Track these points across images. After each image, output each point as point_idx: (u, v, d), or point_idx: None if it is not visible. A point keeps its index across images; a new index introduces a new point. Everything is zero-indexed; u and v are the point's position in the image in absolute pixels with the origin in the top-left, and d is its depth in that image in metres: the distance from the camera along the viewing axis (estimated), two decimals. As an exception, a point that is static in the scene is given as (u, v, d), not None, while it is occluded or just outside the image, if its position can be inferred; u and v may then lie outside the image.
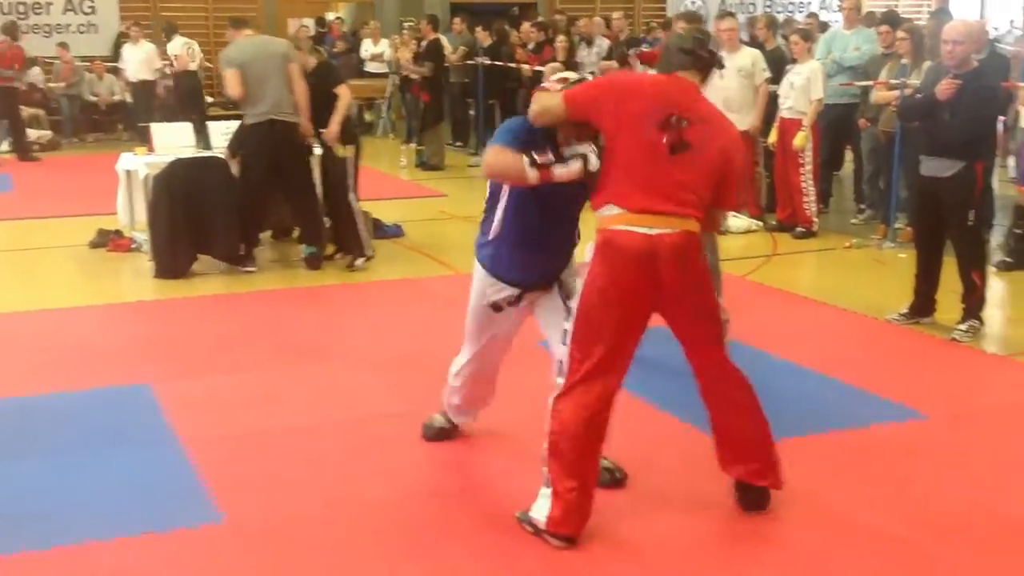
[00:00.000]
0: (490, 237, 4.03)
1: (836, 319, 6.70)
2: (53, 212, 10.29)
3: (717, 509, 4.00)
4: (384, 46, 16.71)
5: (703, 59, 3.75)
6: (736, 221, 9.17)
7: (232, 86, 7.69)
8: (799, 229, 8.96)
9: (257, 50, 7.86)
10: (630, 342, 3.73)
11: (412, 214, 10.01)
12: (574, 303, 3.74)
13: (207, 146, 8.31)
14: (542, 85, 3.93)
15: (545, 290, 4.10)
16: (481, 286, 4.14)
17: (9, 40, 14.05)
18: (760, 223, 9.31)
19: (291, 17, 18.75)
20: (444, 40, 13.79)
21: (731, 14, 9.92)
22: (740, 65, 8.91)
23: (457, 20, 15.64)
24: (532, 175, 3.68)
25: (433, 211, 10.29)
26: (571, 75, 4.04)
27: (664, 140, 3.59)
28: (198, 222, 7.77)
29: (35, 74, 15.96)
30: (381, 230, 9.12)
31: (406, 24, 16.46)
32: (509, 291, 4.09)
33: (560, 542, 3.66)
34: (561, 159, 3.73)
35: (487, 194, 4.06)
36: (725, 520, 3.95)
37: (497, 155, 3.76)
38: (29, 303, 6.96)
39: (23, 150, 14.11)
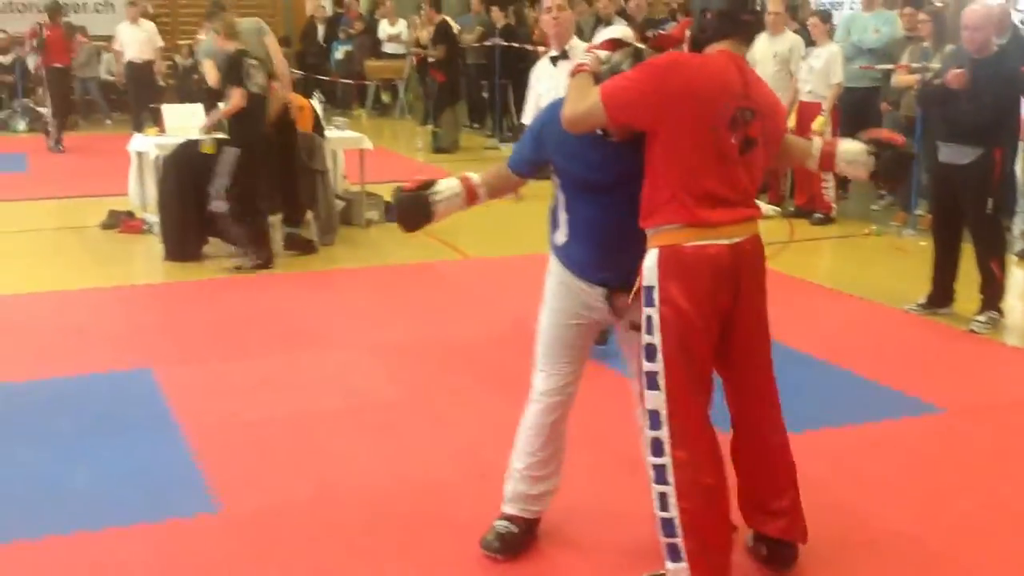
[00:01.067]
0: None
1: (853, 308, 6.57)
2: (66, 192, 10.26)
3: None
4: (401, 27, 16.59)
5: (750, 24, 3.19)
6: (753, 207, 9.03)
7: (210, 75, 7.71)
8: (817, 215, 8.82)
9: None
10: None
11: (425, 197, 9.89)
12: (649, 336, 3.14)
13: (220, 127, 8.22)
14: (578, 64, 3.26)
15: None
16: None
17: (52, 23, 13.44)
18: (778, 209, 9.17)
19: (308, -3, 18.64)
20: (451, 22, 13.69)
21: None
22: (778, 50, 8.78)
23: (475, 1, 15.49)
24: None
25: (447, 194, 10.17)
26: (616, 33, 3.34)
27: (733, 141, 3.09)
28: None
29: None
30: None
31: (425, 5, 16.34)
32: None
33: None
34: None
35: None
36: (735, 516, 3.84)
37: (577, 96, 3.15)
38: (38, 284, 6.90)
39: (54, 139, 13.13)
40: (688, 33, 3.29)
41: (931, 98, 6.19)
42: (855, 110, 9.29)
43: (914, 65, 8.22)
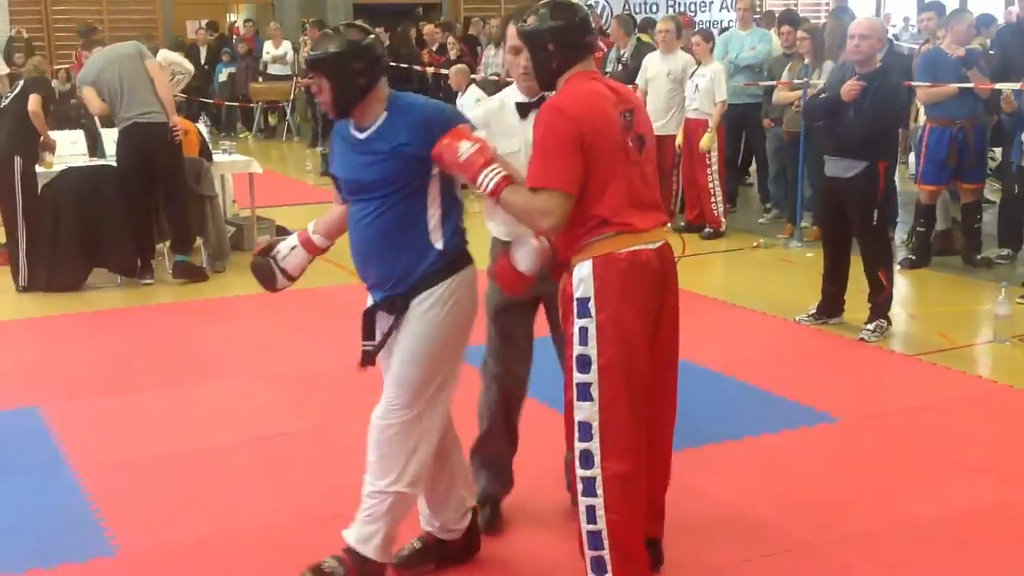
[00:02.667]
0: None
1: (745, 320, 6.69)
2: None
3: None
4: (286, 47, 16.42)
5: (591, 45, 3.27)
6: (644, 223, 9.15)
7: (91, 104, 7.61)
8: (707, 230, 8.98)
9: (105, 61, 7.64)
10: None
11: (317, 220, 9.78)
12: (583, 348, 3.11)
13: (101, 155, 8.01)
14: (496, 184, 3.06)
15: None
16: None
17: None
18: (668, 224, 9.28)
19: (189, 19, 18.36)
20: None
21: (671, 16, 9.99)
22: (671, 68, 8.97)
23: (358, 22, 15.36)
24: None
25: (339, 217, 10.07)
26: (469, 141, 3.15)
27: (630, 143, 3.14)
28: (92, 234, 7.48)
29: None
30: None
31: (308, 25, 16.19)
32: None
33: None
34: None
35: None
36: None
37: None
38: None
39: None
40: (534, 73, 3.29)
41: (816, 111, 6.36)
42: (737, 126, 9.55)
43: (796, 81, 8.45)
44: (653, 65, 9.18)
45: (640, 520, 3.20)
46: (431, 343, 3.26)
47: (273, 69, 16.47)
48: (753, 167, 10.77)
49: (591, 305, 3.09)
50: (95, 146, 8.25)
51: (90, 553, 3.72)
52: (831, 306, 6.40)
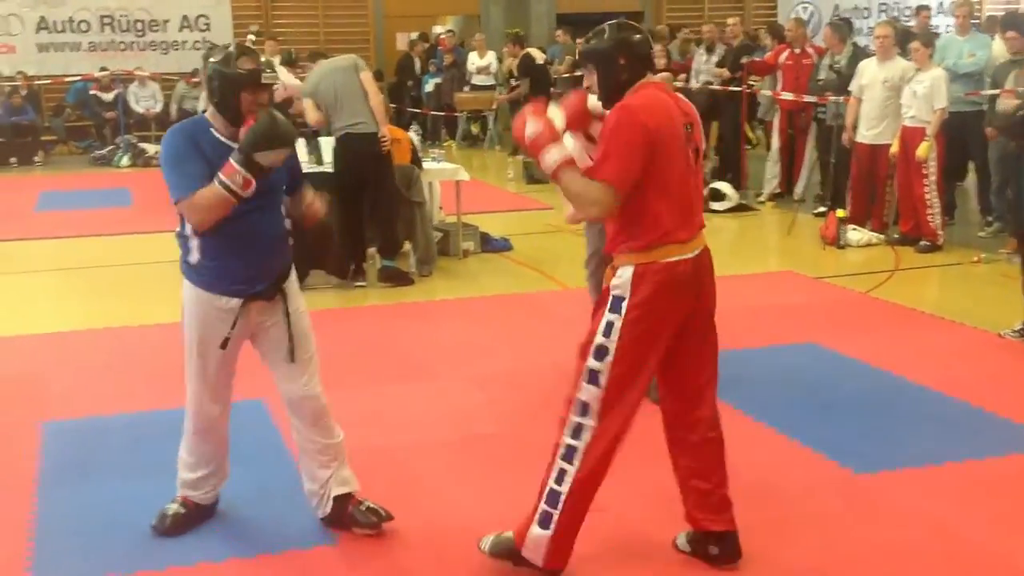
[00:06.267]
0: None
1: (964, 338, 6.39)
2: (170, 226, 10.42)
3: (844, 542, 3.81)
4: (490, 58, 16.74)
5: (653, 56, 3.56)
6: (856, 234, 8.89)
7: (309, 115, 7.98)
8: (923, 243, 8.63)
9: (323, 73, 7.94)
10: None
11: (520, 227, 9.95)
12: (605, 339, 3.40)
13: (319, 161, 8.36)
14: (559, 163, 3.36)
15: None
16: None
17: None
18: (881, 236, 8.99)
19: (399, 32, 18.94)
20: (536, 53, 13.75)
21: (889, 21, 9.68)
22: (888, 76, 8.71)
23: (560, 32, 15.58)
24: None
25: (541, 224, 10.19)
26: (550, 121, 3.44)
27: (690, 152, 3.43)
28: (312, 237, 7.78)
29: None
30: (489, 243, 9.08)
31: (511, 36, 16.47)
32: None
33: None
34: None
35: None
36: (855, 553, 3.75)
37: None
38: (140, 318, 7.05)
39: None
40: (597, 86, 3.50)
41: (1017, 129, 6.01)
42: (957, 134, 9.12)
43: (1020, 89, 8.02)
44: (868, 72, 8.90)
45: (590, 500, 3.47)
46: None
47: (477, 80, 16.82)
48: (971, 178, 10.29)
49: (624, 305, 3.38)
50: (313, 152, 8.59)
51: (312, 542, 3.89)
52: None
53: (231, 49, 3.68)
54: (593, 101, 3.60)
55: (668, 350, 3.47)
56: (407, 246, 8.39)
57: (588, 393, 3.42)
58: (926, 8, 13.42)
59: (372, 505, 3.96)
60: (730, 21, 12.97)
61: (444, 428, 5.05)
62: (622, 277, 3.40)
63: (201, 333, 3.81)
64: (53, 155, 16.44)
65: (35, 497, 4.31)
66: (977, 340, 6.34)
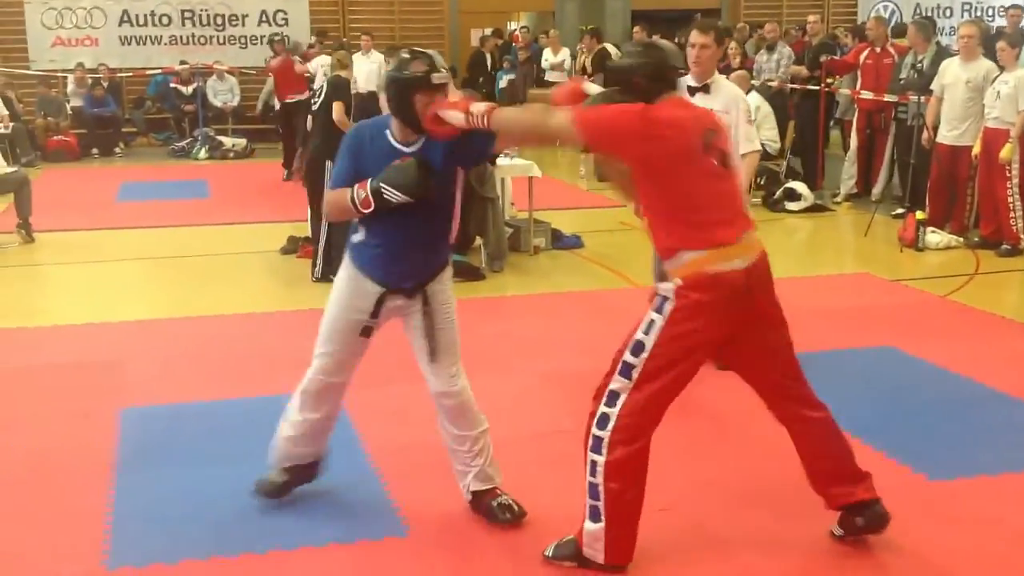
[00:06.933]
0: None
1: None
2: (247, 218, 10.66)
3: (919, 549, 3.74)
4: (564, 55, 16.71)
5: (676, 76, 3.62)
6: (934, 237, 8.73)
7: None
8: (1005, 246, 8.45)
9: None
10: None
11: (591, 225, 9.92)
12: (644, 336, 3.50)
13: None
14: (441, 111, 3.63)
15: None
16: None
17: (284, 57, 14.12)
18: (961, 239, 8.82)
19: (474, 28, 19.00)
20: (612, 49, 13.68)
21: (973, 20, 9.50)
22: (971, 76, 8.57)
23: (636, 28, 15.48)
24: None
25: (612, 222, 10.15)
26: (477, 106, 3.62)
27: (713, 159, 3.47)
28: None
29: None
30: (560, 240, 9.09)
31: (586, 32, 16.43)
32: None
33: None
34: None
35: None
36: (930, 560, 3.69)
37: None
38: (219, 308, 7.16)
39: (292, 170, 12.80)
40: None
41: None
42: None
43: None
44: (951, 72, 8.74)
45: (640, 483, 3.53)
46: None
47: (551, 76, 16.78)
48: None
49: (667, 307, 3.46)
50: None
51: (383, 532, 3.94)
52: None
53: (404, 55, 3.77)
54: (591, 86, 3.70)
55: (732, 355, 3.63)
56: (478, 241, 8.42)
57: (619, 384, 3.52)
58: (1017, 7, 13.11)
59: (506, 501, 4.00)
60: (810, 18, 12.82)
61: (520, 424, 5.05)
62: (671, 282, 3.47)
63: (340, 306, 4.00)
64: (133, 147, 16.76)
65: (112, 483, 4.41)
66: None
